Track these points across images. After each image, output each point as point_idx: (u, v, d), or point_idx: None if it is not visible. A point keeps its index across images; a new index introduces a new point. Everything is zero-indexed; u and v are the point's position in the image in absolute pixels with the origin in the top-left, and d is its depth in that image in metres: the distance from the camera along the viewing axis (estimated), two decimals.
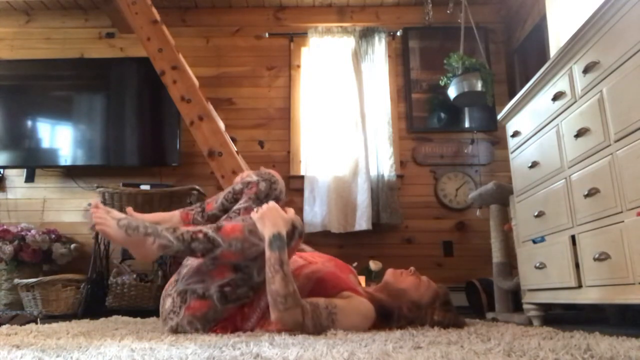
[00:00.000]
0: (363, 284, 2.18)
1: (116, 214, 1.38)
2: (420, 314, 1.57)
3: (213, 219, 1.64)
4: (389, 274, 1.69)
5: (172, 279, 1.53)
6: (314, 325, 1.31)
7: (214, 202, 1.68)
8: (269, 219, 1.37)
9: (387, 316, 1.55)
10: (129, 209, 1.59)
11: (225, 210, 1.66)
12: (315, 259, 1.67)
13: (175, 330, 1.41)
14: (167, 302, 1.46)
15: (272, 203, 1.43)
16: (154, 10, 2.92)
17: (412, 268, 1.68)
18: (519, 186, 2.15)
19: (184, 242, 1.35)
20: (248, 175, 1.69)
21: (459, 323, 1.60)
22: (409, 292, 1.59)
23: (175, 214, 1.66)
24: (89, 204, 1.43)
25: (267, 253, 1.33)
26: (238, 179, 1.72)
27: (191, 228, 1.39)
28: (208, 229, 1.39)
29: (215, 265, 1.41)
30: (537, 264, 1.91)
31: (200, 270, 1.44)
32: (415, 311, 1.57)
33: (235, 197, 1.66)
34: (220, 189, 3.14)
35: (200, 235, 1.36)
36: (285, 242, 1.34)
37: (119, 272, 3.03)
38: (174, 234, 1.36)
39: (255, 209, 1.44)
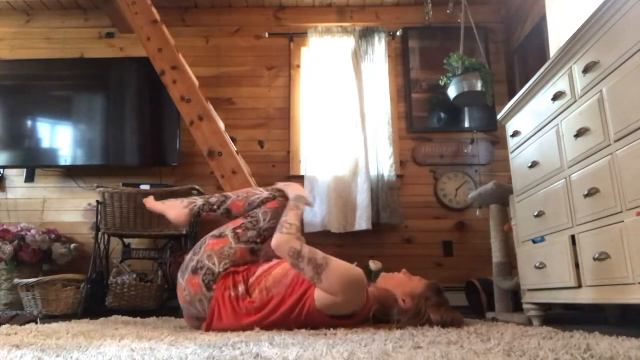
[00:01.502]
0: None
1: None
2: (415, 304, 1.60)
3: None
4: (381, 277, 1.77)
5: None
6: (310, 260, 1.52)
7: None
8: (295, 187, 1.81)
9: (385, 310, 1.62)
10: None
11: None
12: None
13: (195, 270, 1.62)
14: (188, 256, 1.71)
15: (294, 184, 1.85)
16: (154, 10, 2.92)
17: (404, 270, 1.76)
18: (519, 186, 2.15)
19: (204, 198, 1.80)
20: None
21: (456, 317, 1.62)
22: (402, 286, 1.66)
23: None
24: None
25: (291, 203, 1.72)
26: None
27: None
28: None
29: (230, 219, 1.77)
30: (537, 264, 1.91)
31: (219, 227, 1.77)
32: (410, 301, 1.61)
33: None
34: (220, 189, 3.14)
35: (216, 194, 1.82)
36: (304, 200, 1.75)
37: (119, 272, 3.03)
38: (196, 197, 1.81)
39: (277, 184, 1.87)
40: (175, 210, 1.76)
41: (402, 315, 1.59)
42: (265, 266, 1.65)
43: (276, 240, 1.59)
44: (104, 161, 3.48)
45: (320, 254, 1.55)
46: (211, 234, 1.72)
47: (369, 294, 1.63)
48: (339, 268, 1.52)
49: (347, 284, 1.50)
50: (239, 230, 1.69)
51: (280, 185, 1.84)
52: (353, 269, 1.54)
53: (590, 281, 1.59)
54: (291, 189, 1.79)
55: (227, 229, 1.71)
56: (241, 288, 1.57)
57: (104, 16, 3.75)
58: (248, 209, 1.76)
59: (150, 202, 1.85)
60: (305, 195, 1.78)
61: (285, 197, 1.78)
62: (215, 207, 1.76)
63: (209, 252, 1.64)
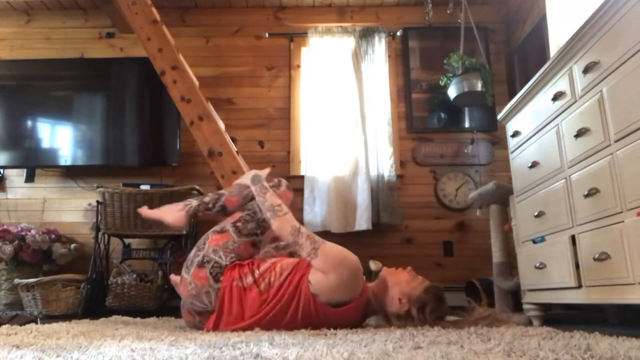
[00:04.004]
0: None
1: None
2: (409, 308, 1.58)
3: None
4: (384, 271, 1.75)
5: None
6: (308, 235, 1.60)
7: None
8: (245, 176, 1.90)
9: (380, 306, 1.63)
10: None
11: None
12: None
13: (201, 264, 1.65)
14: (192, 252, 1.74)
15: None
16: (154, 10, 2.92)
17: (409, 267, 1.73)
18: (519, 186, 2.15)
19: (199, 198, 1.86)
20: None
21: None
22: (401, 284, 1.63)
23: None
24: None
25: (252, 188, 1.78)
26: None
27: None
28: None
29: (227, 215, 1.84)
30: (537, 264, 1.91)
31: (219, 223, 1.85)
32: (406, 303, 1.59)
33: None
34: (220, 189, 3.14)
35: (209, 193, 1.88)
36: (262, 177, 1.81)
37: (119, 272, 3.03)
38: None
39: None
40: (172, 214, 1.81)
41: (393, 316, 1.60)
42: (269, 262, 1.69)
43: (277, 223, 1.65)
44: (104, 161, 3.48)
45: (314, 235, 1.63)
46: (212, 229, 1.76)
47: (366, 286, 1.64)
48: (335, 246, 1.58)
49: (341, 260, 1.53)
50: (239, 224, 1.74)
51: (237, 182, 1.92)
52: (348, 251, 1.58)
53: (590, 281, 1.59)
54: (244, 179, 1.88)
55: (227, 223, 1.76)
56: (249, 279, 1.61)
57: (104, 16, 3.75)
58: (243, 202, 1.83)
59: (145, 211, 1.90)
60: (258, 172, 1.86)
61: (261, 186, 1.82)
62: (210, 205, 1.82)
63: (213, 247, 1.68)
